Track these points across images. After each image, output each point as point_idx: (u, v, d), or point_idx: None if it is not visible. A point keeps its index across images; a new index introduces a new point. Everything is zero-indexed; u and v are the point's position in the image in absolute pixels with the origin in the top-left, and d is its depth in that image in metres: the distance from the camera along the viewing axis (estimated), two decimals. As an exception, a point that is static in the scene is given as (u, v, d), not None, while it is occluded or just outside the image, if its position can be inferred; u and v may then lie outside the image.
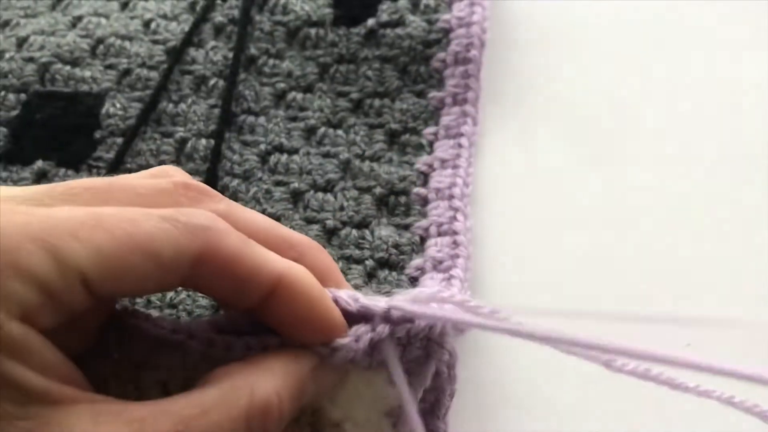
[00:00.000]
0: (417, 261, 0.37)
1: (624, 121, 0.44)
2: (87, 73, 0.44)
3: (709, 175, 0.41)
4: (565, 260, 0.39)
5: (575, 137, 0.43)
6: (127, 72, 0.44)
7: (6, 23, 0.47)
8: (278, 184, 0.40)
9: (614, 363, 0.25)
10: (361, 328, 0.26)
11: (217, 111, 0.42)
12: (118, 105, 0.43)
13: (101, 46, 0.45)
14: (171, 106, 0.43)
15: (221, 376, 0.24)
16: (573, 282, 0.38)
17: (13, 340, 0.21)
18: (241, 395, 0.23)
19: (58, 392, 0.21)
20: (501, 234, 0.40)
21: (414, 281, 0.36)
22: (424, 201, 0.39)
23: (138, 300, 0.33)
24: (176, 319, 0.28)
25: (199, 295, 0.34)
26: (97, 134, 0.42)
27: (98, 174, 0.40)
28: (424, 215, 0.38)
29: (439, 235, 0.37)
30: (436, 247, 0.37)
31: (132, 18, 0.46)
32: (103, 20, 0.46)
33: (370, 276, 0.36)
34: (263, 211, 0.38)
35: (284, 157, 0.41)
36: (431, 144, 0.41)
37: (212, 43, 0.45)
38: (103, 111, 0.43)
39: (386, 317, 0.26)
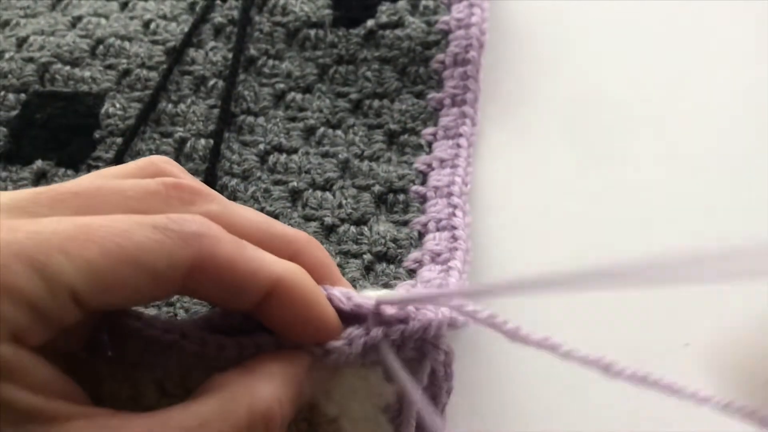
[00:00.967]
0: (415, 254, 0.37)
1: (623, 121, 0.44)
2: (87, 74, 0.44)
3: (709, 175, 0.41)
4: (563, 261, 0.39)
5: (574, 137, 0.43)
6: (126, 72, 0.44)
7: (6, 23, 0.47)
8: (277, 183, 0.40)
9: (613, 368, 0.25)
10: (354, 332, 0.26)
11: (216, 111, 0.42)
12: (117, 105, 0.43)
13: (101, 47, 0.45)
14: (170, 106, 0.43)
15: (220, 385, 0.24)
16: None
17: (5, 361, 0.20)
18: (241, 404, 0.23)
19: (53, 409, 0.21)
20: (499, 234, 0.40)
21: (412, 273, 0.36)
22: (423, 198, 0.39)
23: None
24: (168, 319, 0.27)
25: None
26: (97, 134, 0.42)
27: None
28: (422, 212, 0.38)
29: (438, 230, 0.37)
30: (434, 241, 0.37)
31: (132, 18, 0.46)
32: (102, 20, 0.46)
33: (367, 269, 0.36)
34: (262, 210, 0.38)
35: (283, 157, 0.41)
36: (430, 144, 0.41)
37: (212, 43, 0.45)
38: (103, 111, 0.43)
39: (379, 318, 0.26)
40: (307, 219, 0.38)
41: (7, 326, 0.21)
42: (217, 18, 0.46)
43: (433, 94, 0.43)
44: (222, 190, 0.39)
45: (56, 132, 0.42)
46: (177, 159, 0.41)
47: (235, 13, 0.46)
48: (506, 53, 0.46)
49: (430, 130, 0.42)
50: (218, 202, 0.26)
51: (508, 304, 0.37)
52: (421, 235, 0.37)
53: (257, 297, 0.24)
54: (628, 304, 0.37)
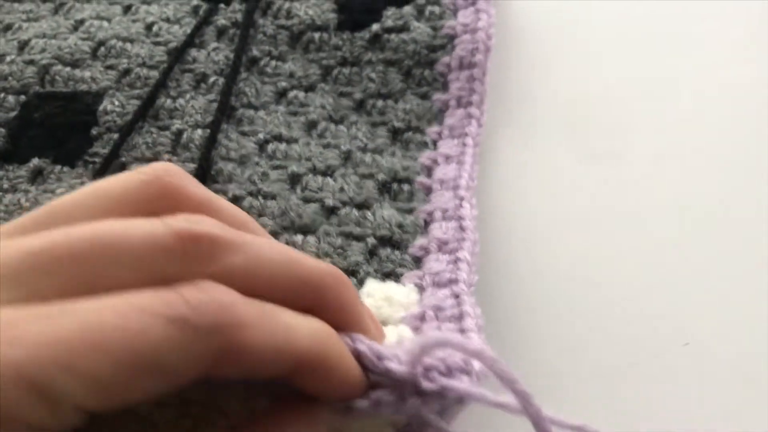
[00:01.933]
0: (421, 241, 0.35)
1: (626, 122, 0.44)
2: (87, 74, 0.43)
3: (710, 174, 0.41)
4: (566, 260, 0.38)
5: (578, 138, 0.43)
6: (126, 72, 0.43)
7: (8, 27, 0.47)
8: (276, 168, 0.39)
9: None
10: (384, 397, 0.24)
11: (215, 105, 0.41)
12: (116, 102, 0.42)
13: (102, 48, 0.45)
14: (169, 101, 0.42)
15: None
16: (574, 283, 0.38)
17: None
18: None
19: None
20: (503, 233, 0.39)
21: (418, 261, 0.34)
22: (428, 190, 0.38)
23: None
24: None
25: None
26: (94, 131, 0.41)
27: (93, 168, 0.39)
28: (427, 202, 0.37)
29: (444, 219, 0.36)
30: (441, 229, 0.35)
31: (134, 21, 0.46)
32: (105, 23, 0.46)
33: (371, 254, 0.35)
34: (258, 192, 0.37)
35: (283, 146, 0.40)
36: (435, 142, 0.40)
37: (214, 44, 0.44)
38: (101, 108, 0.42)
39: (415, 388, 0.24)
40: (307, 200, 0.37)
41: None
42: (221, 21, 0.45)
43: (438, 96, 0.42)
44: (217, 174, 0.38)
45: (54, 130, 0.41)
46: (174, 150, 0.40)
47: (239, 17, 0.45)
48: (508, 55, 0.47)
49: (435, 128, 0.41)
50: (239, 249, 0.23)
51: (514, 301, 0.36)
52: (427, 223, 0.36)
53: (282, 373, 0.23)
54: (628, 303, 0.37)
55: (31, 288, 0.20)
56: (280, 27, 0.45)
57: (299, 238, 0.35)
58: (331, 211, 0.36)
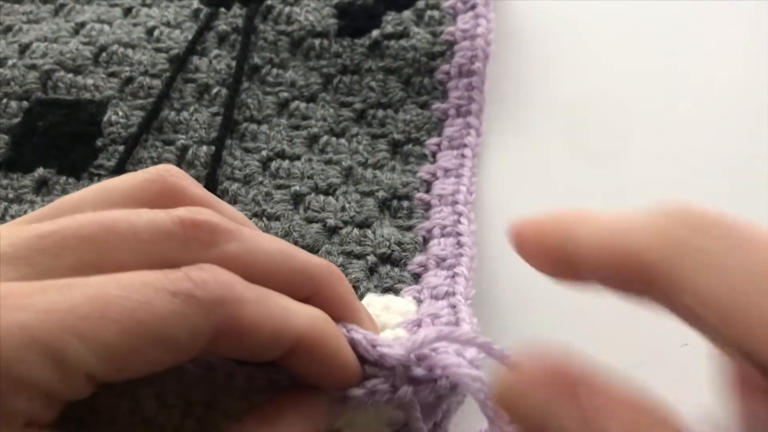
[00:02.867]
0: (420, 258, 0.36)
1: (626, 123, 0.44)
2: (89, 81, 0.44)
3: (710, 175, 0.41)
4: None
5: (578, 144, 0.43)
6: (129, 80, 0.44)
7: (8, 29, 0.47)
8: (279, 187, 0.39)
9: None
10: (378, 385, 0.25)
11: (219, 119, 0.42)
12: (120, 113, 0.42)
13: (104, 54, 0.45)
14: (173, 114, 0.42)
15: None
16: (574, 289, 0.38)
17: None
18: None
19: None
20: (503, 241, 0.39)
21: (417, 278, 0.35)
22: (427, 206, 0.38)
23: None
24: None
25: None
26: (99, 142, 0.42)
27: (98, 182, 0.40)
28: (427, 219, 0.38)
29: (443, 236, 0.37)
30: (439, 246, 0.36)
31: (135, 25, 0.46)
32: (106, 27, 0.46)
33: (371, 271, 0.36)
34: (262, 213, 0.38)
35: (286, 163, 0.40)
36: (434, 154, 0.41)
37: (215, 51, 0.45)
38: (105, 119, 0.42)
39: (407, 374, 0.25)
40: (309, 221, 0.38)
41: (23, 416, 0.20)
42: (221, 26, 0.45)
43: (437, 105, 0.42)
44: (223, 194, 0.39)
45: (58, 140, 0.42)
46: (179, 166, 0.40)
47: (240, 22, 0.45)
48: (508, 55, 0.46)
49: (434, 140, 0.41)
50: (237, 238, 0.24)
51: (512, 305, 0.37)
52: (426, 241, 0.37)
53: (280, 353, 0.24)
54: (627, 304, 0.37)
55: (42, 267, 0.21)
56: (281, 33, 0.45)
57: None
58: (333, 231, 0.37)
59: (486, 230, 0.40)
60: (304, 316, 0.24)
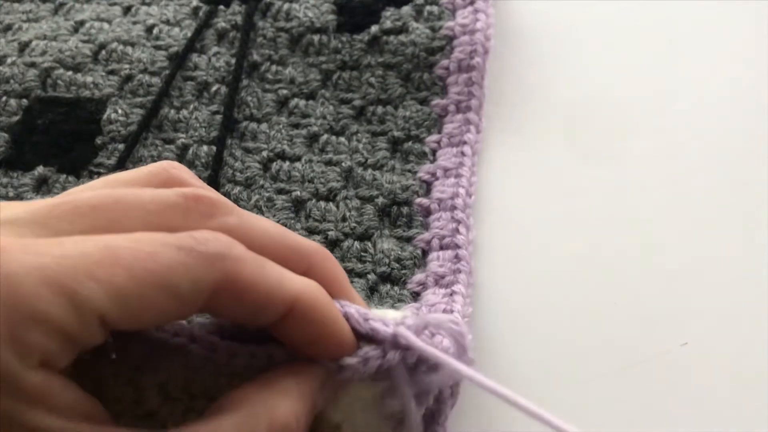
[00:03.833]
0: (419, 276, 0.36)
1: (625, 124, 0.44)
2: (89, 79, 0.44)
3: (709, 175, 0.41)
4: (566, 261, 0.39)
5: (579, 144, 0.43)
6: (129, 78, 0.44)
7: (8, 27, 0.47)
8: (280, 192, 0.40)
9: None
10: (370, 352, 0.26)
11: (219, 117, 0.42)
12: (119, 111, 0.42)
13: (103, 52, 0.45)
14: (173, 112, 0.42)
15: (238, 401, 0.24)
16: (574, 283, 0.38)
17: (35, 388, 0.21)
18: (261, 421, 0.23)
19: None
20: (503, 241, 0.40)
21: (416, 296, 0.36)
22: (427, 212, 0.39)
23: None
24: (178, 322, 0.27)
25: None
26: (98, 140, 0.42)
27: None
28: (426, 227, 0.38)
29: (441, 248, 0.37)
30: (437, 262, 0.36)
31: (134, 23, 0.46)
32: (105, 25, 0.46)
33: (372, 290, 0.36)
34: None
35: (286, 165, 0.40)
36: (434, 152, 0.41)
37: (215, 49, 0.45)
38: (105, 117, 0.42)
39: (395, 344, 0.26)
40: (311, 231, 0.38)
41: (38, 354, 0.21)
42: (221, 23, 0.45)
43: (437, 101, 0.42)
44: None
45: (58, 138, 0.42)
46: (179, 167, 0.41)
47: (239, 19, 0.45)
48: (507, 55, 0.46)
49: (434, 137, 0.41)
50: (235, 214, 0.26)
51: (512, 304, 0.37)
52: (425, 253, 0.37)
53: (276, 316, 0.24)
54: (627, 303, 0.37)
55: (56, 230, 0.23)
56: (280, 29, 0.45)
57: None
58: (334, 244, 0.37)
59: (486, 230, 0.40)
60: (299, 281, 0.25)
